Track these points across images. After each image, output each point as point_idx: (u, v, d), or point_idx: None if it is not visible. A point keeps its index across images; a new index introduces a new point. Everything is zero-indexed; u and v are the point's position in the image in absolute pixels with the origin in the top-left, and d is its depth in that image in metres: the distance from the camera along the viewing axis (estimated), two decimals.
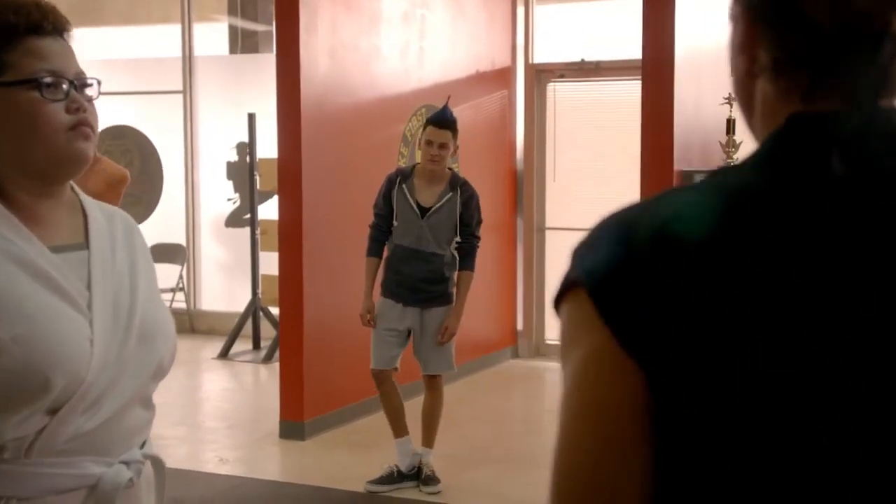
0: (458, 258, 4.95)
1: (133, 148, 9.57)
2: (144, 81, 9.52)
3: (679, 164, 5.24)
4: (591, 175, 8.09)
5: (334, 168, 6.13)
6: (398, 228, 4.88)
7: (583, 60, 8.02)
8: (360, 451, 5.73)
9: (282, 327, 6.11)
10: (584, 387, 0.93)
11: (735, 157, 5.25)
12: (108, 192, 7.52)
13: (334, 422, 6.08)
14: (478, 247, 5.00)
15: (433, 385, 5.08)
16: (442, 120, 4.81)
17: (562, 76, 8.15)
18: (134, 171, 9.56)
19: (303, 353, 5.92)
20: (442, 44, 7.19)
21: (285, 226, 5.98)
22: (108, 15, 11.30)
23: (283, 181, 6.00)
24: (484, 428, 6.36)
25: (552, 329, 8.36)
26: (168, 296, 9.07)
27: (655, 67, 5.25)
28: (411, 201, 4.85)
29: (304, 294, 5.89)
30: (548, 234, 8.28)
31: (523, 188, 8.21)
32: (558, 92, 8.20)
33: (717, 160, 5.36)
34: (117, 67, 10.02)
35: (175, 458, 5.64)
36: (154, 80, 9.48)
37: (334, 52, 6.13)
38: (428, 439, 5.12)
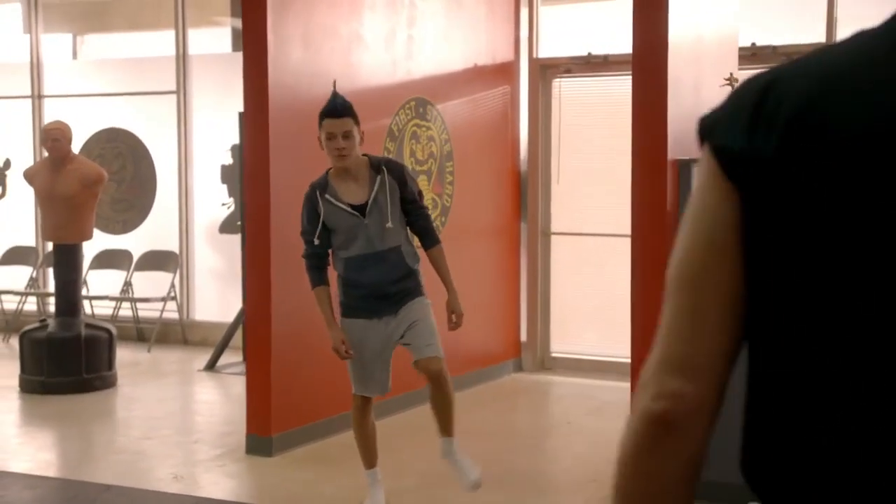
0: (421, 238, 4.46)
1: (126, 151, 9.21)
2: (138, 82, 9.18)
3: (675, 154, 4.73)
4: (599, 176, 7.57)
5: (308, 166, 5.62)
6: (341, 242, 4.32)
7: (590, 54, 7.52)
8: (328, 470, 5.26)
9: (248, 335, 5.66)
10: (693, 205, 1.08)
11: None
12: (83, 191, 7.16)
13: (305, 438, 5.61)
14: (430, 217, 4.54)
15: (441, 373, 4.37)
16: (335, 108, 4.26)
17: (568, 71, 7.66)
18: (127, 175, 9.23)
19: (270, 361, 5.47)
20: (434, 33, 6.73)
21: (252, 228, 5.55)
22: (115, 21, 11.06)
23: (249, 180, 5.58)
24: (474, 444, 5.85)
25: (558, 341, 7.84)
26: (159, 305, 8.68)
27: (647, 54, 4.74)
28: (343, 207, 4.29)
29: (271, 299, 5.45)
30: (553, 239, 7.76)
31: (527, 190, 7.72)
32: (564, 88, 7.70)
33: None
34: (110, 68, 9.71)
35: (127, 474, 5.21)
36: (148, 81, 9.13)
37: (309, 38, 5.69)
38: (447, 427, 4.51)
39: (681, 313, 1.09)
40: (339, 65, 5.92)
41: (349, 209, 4.28)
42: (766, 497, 1.07)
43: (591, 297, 7.73)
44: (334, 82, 4.39)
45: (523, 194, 7.74)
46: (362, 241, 4.28)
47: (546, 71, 7.70)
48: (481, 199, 7.32)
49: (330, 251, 4.38)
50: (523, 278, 7.76)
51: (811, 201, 0.97)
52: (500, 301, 7.56)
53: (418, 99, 6.56)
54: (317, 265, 4.36)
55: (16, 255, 9.53)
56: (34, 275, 9.36)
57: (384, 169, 4.32)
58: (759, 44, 6.93)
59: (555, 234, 7.76)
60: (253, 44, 5.41)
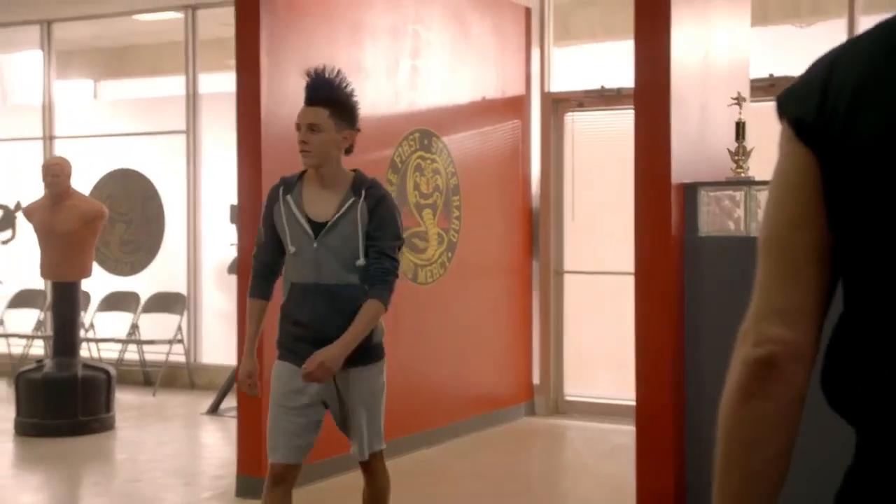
0: (366, 282, 3.44)
1: (135, 191, 9.10)
2: (149, 122, 9.09)
3: (681, 177, 4.49)
4: (613, 212, 7.32)
5: None
6: (290, 260, 3.50)
7: (603, 88, 7.33)
8: None
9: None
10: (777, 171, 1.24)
11: (745, 165, 4.47)
12: (83, 228, 7.01)
13: (300, 480, 5.33)
14: (393, 272, 3.47)
15: (374, 469, 3.65)
16: (308, 92, 3.48)
17: (580, 105, 7.46)
18: (136, 216, 9.11)
19: (261, 400, 5.22)
20: (440, 65, 6.57)
21: (244, 260, 5.34)
22: (134, 67, 11.11)
23: (242, 213, 5.37)
24: (482, 487, 5.60)
25: (573, 384, 7.55)
26: (165, 348, 8.49)
27: (649, 76, 4.52)
28: (300, 217, 3.45)
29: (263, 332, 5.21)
30: (566, 277, 7.51)
31: (539, 227, 7.48)
32: (577, 122, 7.50)
33: (726, 170, 4.58)
34: (122, 109, 9.66)
35: None
36: (159, 121, 9.04)
37: (307, 66, 5.52)
38: None
39: (775, 269, 1.18)
40: None
41: (305, 224, 3.45)
42: (847, 411, 1.17)
43: (606, 338, 7.45)
44: (333, 70, 3.52)
45: (535, 232, 7.51)
46: (310, 267, 3.44)
47: (558, 105, 7.51)
48: (491, 235, 7.10)
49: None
50: (535, 319, 7.50)
51: (873, 162, 1.12)
52: (511, 342, 7.29)
53: (422, 130, 6.38)
54: (260, 272, 3.61)
55: (25, 298, 9.41)
56: (41, 317, 9.22)
57: (364, 192, 3.46)
58: (776, 75, 6.72)
59: (568, 272, 7.51)
60: (246, 71, 5.26)
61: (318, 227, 3.43)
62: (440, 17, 6.55)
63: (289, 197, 3.48)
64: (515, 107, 7.35)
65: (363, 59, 5.91)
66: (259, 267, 3.61)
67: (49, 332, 9.17)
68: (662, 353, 4.50)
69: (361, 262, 3.41)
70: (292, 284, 3.49)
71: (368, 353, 3.51)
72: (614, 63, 7.76)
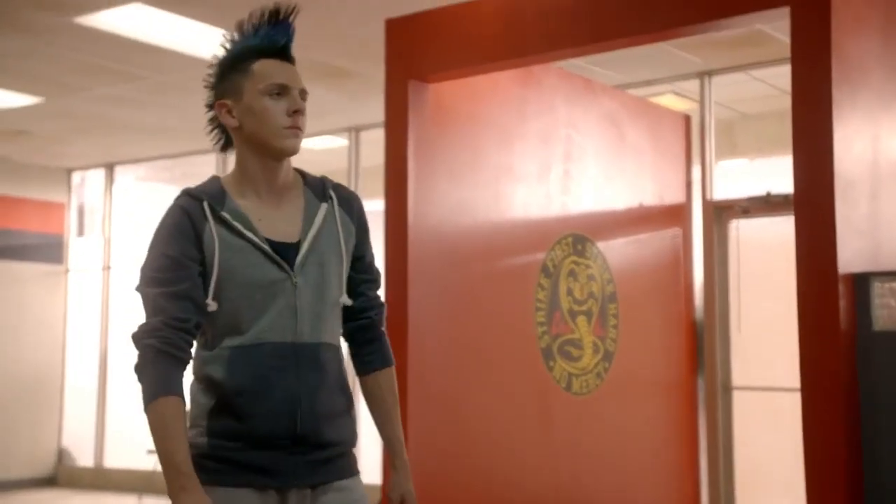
0: (364, 344, 2.31)
1: None
2: None
3: (850, 267, 4.11)
4: (784, 324, 6.82)
5: (450, 302, 5.34)
6: (233, 316, 2.10)
7: (769, 194, 6.99)
8: None
9: None
10: None
11: None
12: None
13: None
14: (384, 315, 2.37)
15: None
16: (286, 42, 2.18)
17: (745, 212, 7.12)
18: None
19: None
20: (594, 169, 6.42)
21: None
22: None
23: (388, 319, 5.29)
24: None
25: None
26: None
27: (810, 159, 4.23)
28: (257, 241, 2.13)
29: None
30: (735, 394, 7.03)
31: (704, 341, 7.08)
32: (742, 230, 7.15)
33: None
34: None
35: None
36: None
37: (453, 168, 5.50)
38: None
39: None
40: (488, 197, 5.68)
41: (268, 249, 2.12)
42: None
43: (782, 459, 6.87)
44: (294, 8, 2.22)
45: (700, 346, 7.11)
46: (284, 318, 2.11)
47: (721, 212, 7.20)
48: (651, 346, 6.75)
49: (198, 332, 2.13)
50: (702, 438, 7.02)
51: None
52: (675, 461, 6.83)
53: (576, 235, 6.20)
54: (172, 346, 2.05)
55: None
56: None
57: (332, 195, 2.23)
58: None
59: (737, 388, 7.04)
60: (393, 173, 5.26)
61: (288, 254, 2.13)
62: (595, 122, 6.44)
63: (224, 214, 2.12)
64: (675, 214, 7.09)
65: (512, 162, 5.83)
66: (169, 335, 2.04)
67: None
68: (835, 469, 4.05)
69: (346, 300, 2.18)
70: (234, 350, 2.07)
71: (353, 453, 2.22)
72: (781, 172, 7.43)
